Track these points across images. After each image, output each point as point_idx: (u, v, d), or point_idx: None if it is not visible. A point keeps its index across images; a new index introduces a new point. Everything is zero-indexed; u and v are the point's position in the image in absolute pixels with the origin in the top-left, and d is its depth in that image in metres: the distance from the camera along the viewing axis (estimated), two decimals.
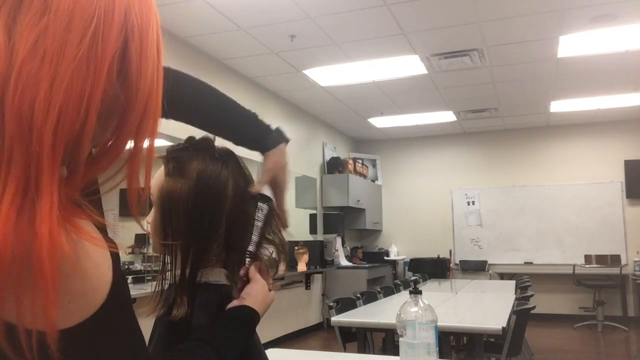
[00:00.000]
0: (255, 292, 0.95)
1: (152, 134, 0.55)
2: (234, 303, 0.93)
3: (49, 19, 0.46)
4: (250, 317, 0.92)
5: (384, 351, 3.41)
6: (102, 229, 0.53)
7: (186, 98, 0.99)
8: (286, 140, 1.06)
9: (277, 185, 1.05)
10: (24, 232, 0.42)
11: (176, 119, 1.00)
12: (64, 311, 0.46)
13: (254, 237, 1.01)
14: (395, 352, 1.65)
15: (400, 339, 1.53)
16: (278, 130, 1.06)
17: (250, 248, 1.01)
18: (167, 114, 0.92)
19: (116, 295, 0.50)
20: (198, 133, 1.04)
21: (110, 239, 0.53)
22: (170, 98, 0.94)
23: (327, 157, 8.01)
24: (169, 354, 0.87)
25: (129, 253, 4.64)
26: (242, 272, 0.98)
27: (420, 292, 1.55)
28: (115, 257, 0.52)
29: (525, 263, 8.29)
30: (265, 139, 1.04)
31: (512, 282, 5.86)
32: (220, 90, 1.03)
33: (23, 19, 0.46)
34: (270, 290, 0.98)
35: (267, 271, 1.01)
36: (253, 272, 0.98)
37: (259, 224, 1.01)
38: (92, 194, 0.52)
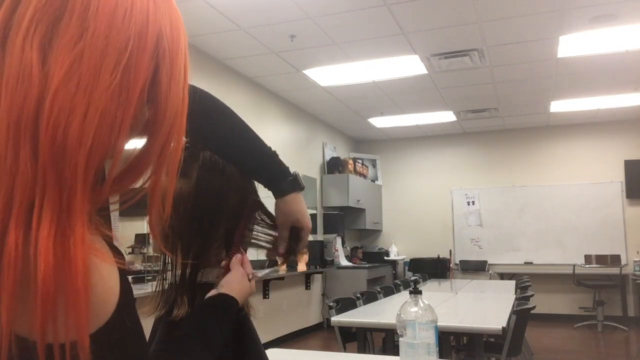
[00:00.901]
0: (231, 280, 0.95)
1: (175, 157, 0.55)
2: (211, 293, 0.93)
3: (84, 44, 0.45)
4: (227, 303, 0.91)
5: (384, 351, 3.40)
6: (111, 244, 0.53)
7: (208, 126, 0.96)
8: (301, 188, 1.02)
9: (296, 230, 1.02)
10: (59, 262, 0.43)
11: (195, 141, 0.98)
12: None
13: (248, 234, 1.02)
14: (395, 352, 1.65)
15: (400, 339, 1.53)
16: (295, 176, 1.02)
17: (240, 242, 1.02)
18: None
19: (124, 308, 0.51)
20: None
21: (119, 254, 0.53)
22: (191, 124, 0.94)
23: (327, 157, 8.01)
24: (156, 351, 0.88)
25: (129, 253, 4.64)
26: (223, 263, 0.99)
27: (420, 292, 1.55)
28: (122, 272, 0.53)
29: (525, 263, 8.29)
30: (280, 183, 1.00)
31: (512, 282, 5.86)
32: (243, 120, 1.01)
33: (59, 42, 0.45)
34: (250, 280, 0.97)
35: (248, 262, 1.01)
36: (234, 262, 0.98)
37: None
38: (104, 209, 0.53)
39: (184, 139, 1.02)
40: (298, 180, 1.02)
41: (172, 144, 0.54)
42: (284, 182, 1.00)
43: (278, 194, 1.00)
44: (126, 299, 0.52)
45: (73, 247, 0.43)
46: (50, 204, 0.43)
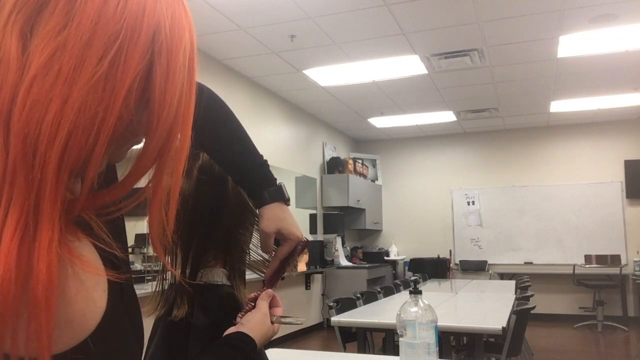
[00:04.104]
0: (254, 321, 0.89)
1: (177, 166, 0.51)
2: (231, 329, 0.89)
3: (69, 32, 0.42)
4: (245, 345, 0.87)
5: (384, 351, 3.40)
6: (104, 254, 0.49)
7: (208, 127, 0.91)
8: (284, 199, 0.96)
9: (284, 240, 0.96)
10: (23, 266, 0.39)
11: None
12: None
13: (273, 265, 0.98)
14: (395, 352, 1.65)
15: (400, 339, 1.53)
16: (279, 187, 0.97)
17: (267, 273, 0.98)
18: None
19: (109, 323, 0.47)
20: None
21: (112, 266, 0.50)
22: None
23: (327, 157, 8.01)
24: None
25: (129, 253, 4.63)
26: (251, 295, 0.95)
27: (420, 292, 1.55)
28: (113, 284, 0.49)
29: (525, 263, 8.29)
30: (261, 192, 0.95)
31: (512, 282, 5.86)
32: (241, 125, 0.97)
33: (42, 30, 0.42)
34: (272, 323, 0.93)
35: (278, 302, 0.96)
36: (262, 297, 0.93)
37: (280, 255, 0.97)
38: (109, 214, 0.49)
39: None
40: (282, 190, 0.96)
41: (171, 148, 0.50)
42: (266, 190, 0.95)
43: (258, 202, 0.95)
44: (114, 315, 0.48)
45: (37, 252, 0.40)
46: (18, 204, 0.40)
